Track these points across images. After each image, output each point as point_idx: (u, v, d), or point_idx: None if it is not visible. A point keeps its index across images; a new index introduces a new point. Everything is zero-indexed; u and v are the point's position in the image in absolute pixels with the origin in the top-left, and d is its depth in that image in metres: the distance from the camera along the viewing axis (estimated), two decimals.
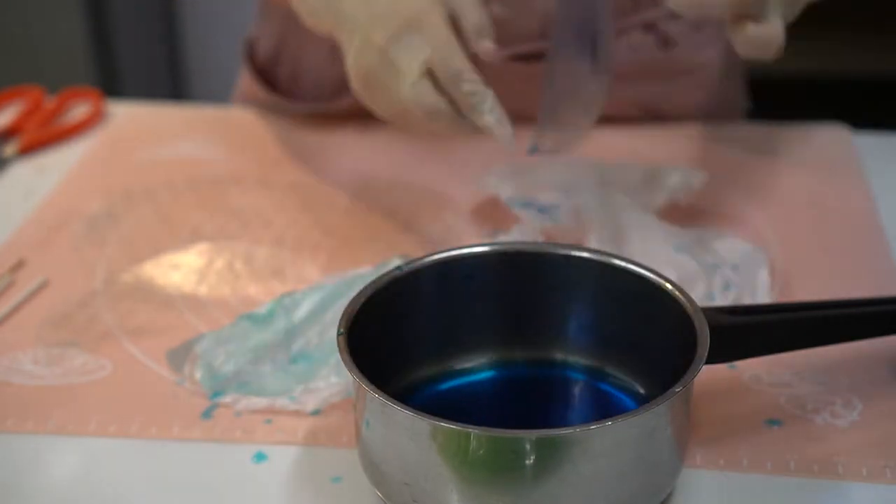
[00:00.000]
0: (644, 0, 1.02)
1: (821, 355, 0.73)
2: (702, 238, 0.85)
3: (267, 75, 1.10)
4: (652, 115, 1.06)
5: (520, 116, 0.82)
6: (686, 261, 0.81)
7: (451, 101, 0.79)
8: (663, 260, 0.80)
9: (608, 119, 1.04)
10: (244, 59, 1.11)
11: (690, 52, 1.04)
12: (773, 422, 0.70)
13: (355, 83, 0.82)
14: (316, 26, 0.87)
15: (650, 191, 0.90)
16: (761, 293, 0.80)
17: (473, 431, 0.58)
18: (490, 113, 0.79)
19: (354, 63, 0.81)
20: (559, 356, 0.72)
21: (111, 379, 0.75)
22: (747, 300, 0.80)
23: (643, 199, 0.88)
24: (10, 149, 1.03)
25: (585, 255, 0.70)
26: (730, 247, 0.85)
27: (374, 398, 0.59)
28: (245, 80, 1.11)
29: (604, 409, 0.70)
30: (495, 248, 0.72)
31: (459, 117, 0.80)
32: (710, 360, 0.63)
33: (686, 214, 0.89)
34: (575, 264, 0.70)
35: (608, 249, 0.77)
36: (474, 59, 0.83)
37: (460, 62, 0.79)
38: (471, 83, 0.79)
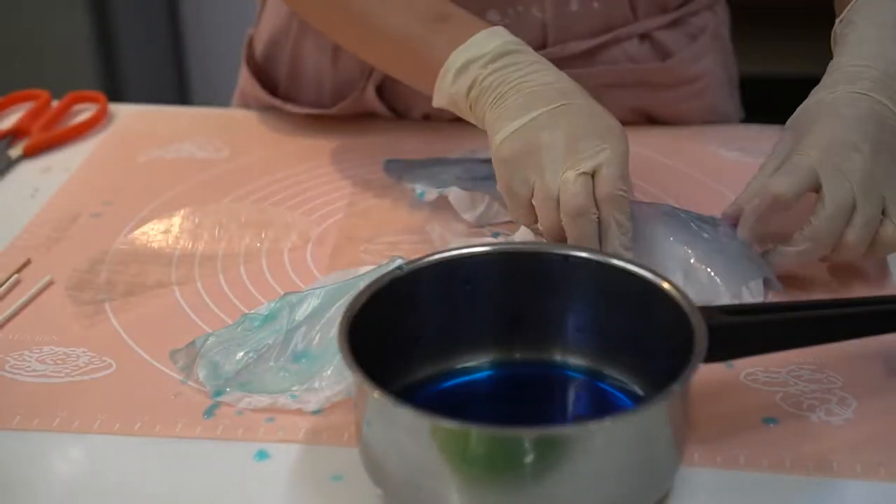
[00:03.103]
0: (641, 10, 1.02)
1: (816, 354, 0.74)
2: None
3: (266, 75, 1.10)
4: (649, 121, 1.07)
5: None
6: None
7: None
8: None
9: None
10: (244, 58, 1.12)
11: (687, 62, 1.04)
12: (769, 420, 0.70)
13: (512, 145, 0.80)
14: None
15: None
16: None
17: (473, 430, 0.58)
18: (625, 249, 0.79)
19: (527, 130, 0.80)
20: (558, 356, 0.72)
21: (116, 377, 0.75)
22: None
23: None
24: (16, 150, 1.04)
25: (584, 255, 0.70)
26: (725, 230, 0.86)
27: (375, 397, 0.60)
28: (245, 79, 1.12)
29: (602, 408, 0.70)
30: (495, 248, 0.72)
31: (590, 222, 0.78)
32: (708, 359, 0.63)
33: None
34: (574, 264, 0.70)
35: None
36: None
37: (626, 183, 0.79)
38: (625, 215, 0.78)
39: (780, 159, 0.82)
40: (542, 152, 0.80)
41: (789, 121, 0.85)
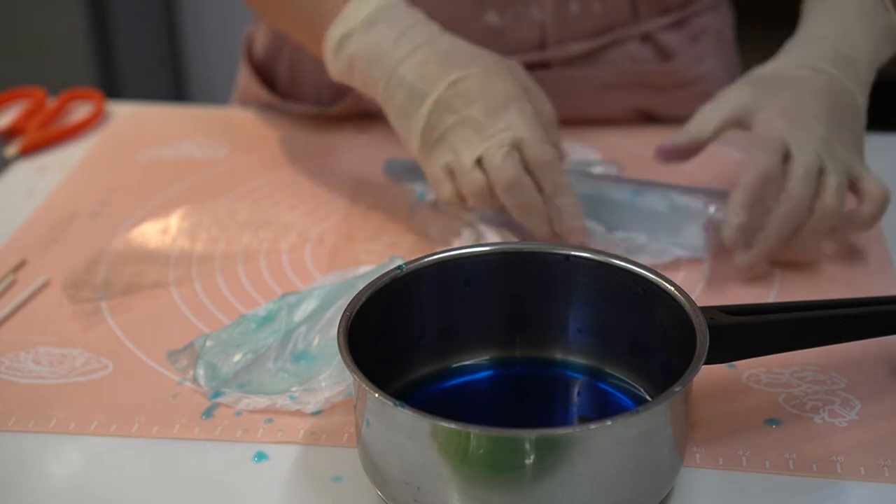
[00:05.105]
0: (643, 11, 1.02)
1: (819, 355, 0.74)
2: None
3: (266, 73, 1.10)
4: (650, 121, 1.07)
5: None
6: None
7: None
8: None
9: (606, 121, 1.04)
10: (243, 56, 1.11)
11: (688, 63, 1.04)
12: (771, 421, 0.70)
13: (421, 138, 0.83)
14: (364, 86, 0.88)
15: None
16: None
17: (473, 431, 0.58)
18: (574, 216, 0.82)
19: (423, 119, 0.83)
20: (559, 356, 0.72)
21: (113, 378, 0.75)
22: None
23: None
24: (11, 149, 1.04)
25: (585, 254, 0.70)
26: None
27: (375, 398, 0.60)
28: (244, 77, 1.12)
29: (603, 409, 0.70)
30: (495, 248, 0.72)
31: (530, 194, 0.82)
32: (710, 360, 0.63)
33: None
34: (575, 264, 0.70)
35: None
36: None
37: (552, 154, 0.82)
38: (564, 175, 0.82)
39: (734, 112, 0.85)
40: (451, 135, 0.82)
41: (748, 77, 0.88)
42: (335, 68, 0.88)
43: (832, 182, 0.80)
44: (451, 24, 0.97)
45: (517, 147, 0.81)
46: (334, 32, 0.86)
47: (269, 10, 0.97)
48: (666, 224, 0.86)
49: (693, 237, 0.85)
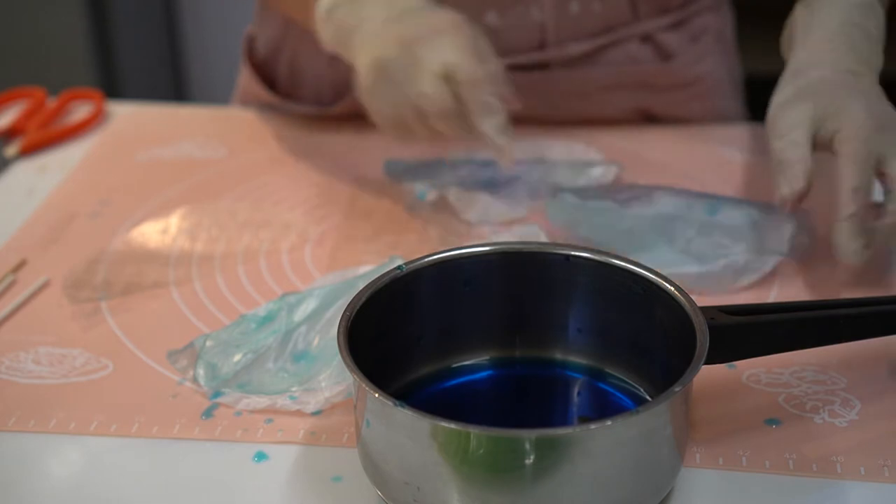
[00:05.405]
0: (643, 11, 1.02)
1: (819, 355, 0.74)
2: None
3: (266, 73, 1.10)
4: (650, 121, 1.07)
5: (515, 124, 0.84)
6: None
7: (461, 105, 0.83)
8: None
9: (606, 121, 1.04)
10: (244, 56, 1.11)
11: (688, 63, 1.04)
12: (772, 421, 0.70)
13: (367, 75, 0.84)
14: (330, 40, 0.89)
15: (575, 181, 0.93)
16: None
17: (473, 431, 0.58)
18: (497, 130, 0.83)
19: (371, 55, 0.84)
20: (559, 356, 0.72)
21: (113, 378, 0.75)
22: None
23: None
24: (11, 149, 1.04)
25: (585, 255, 0.70)
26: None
27: (375, 398, 0.60)
28: (245, 78, 1.12)
29: (603, 409, 0.70)
30: (495, 248, 0.72)
31: (465, 121, 0.83)
32: (710, 360, 0.63)
33: None
34: (575, 264, 0.70)
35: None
36: None
37: (484, 71, 0.83)
38: (491, 95, 0.83)
39: (813, 132, 0.81)
40: (391, 69, 0.83)
41: (796, 87, 0.83)
42: (325, 37, 0.89)
43: None
44: None
45: (448, 72, 0.82)
46: (324, 2, 0.88)
47: None
48: (748, 235, 0.83)
49: (781, 244, 0.83)
